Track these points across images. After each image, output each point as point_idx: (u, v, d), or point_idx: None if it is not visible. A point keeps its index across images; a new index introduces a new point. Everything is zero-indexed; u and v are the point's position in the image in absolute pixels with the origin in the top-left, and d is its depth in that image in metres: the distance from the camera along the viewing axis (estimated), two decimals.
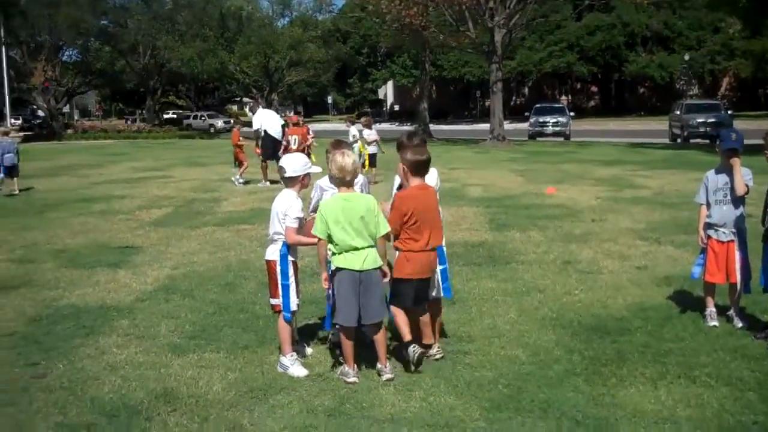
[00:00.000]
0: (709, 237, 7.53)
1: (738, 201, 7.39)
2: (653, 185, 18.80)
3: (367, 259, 6.05)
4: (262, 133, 20.00)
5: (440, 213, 6.58)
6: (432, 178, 6.74)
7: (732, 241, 7.40)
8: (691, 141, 39.44)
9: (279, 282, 6.50)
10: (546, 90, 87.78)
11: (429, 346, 6.55)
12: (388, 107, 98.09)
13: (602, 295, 8.62)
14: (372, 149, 20.03)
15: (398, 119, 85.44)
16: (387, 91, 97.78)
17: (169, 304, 8.68)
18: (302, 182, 6.52)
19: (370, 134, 20.19)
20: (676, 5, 69.47)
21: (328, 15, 68.43)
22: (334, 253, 6.12)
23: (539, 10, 42.53)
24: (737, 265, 7.38)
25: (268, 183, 20.11)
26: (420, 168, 6.40)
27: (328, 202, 6.19)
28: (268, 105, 52.33)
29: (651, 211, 14.45)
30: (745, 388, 5.84)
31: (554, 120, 47.01)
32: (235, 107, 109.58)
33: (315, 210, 6.89)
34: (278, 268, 6.48)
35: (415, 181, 6.39)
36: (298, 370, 6.42)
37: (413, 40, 46.39)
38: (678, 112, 42.42)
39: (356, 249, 6.02)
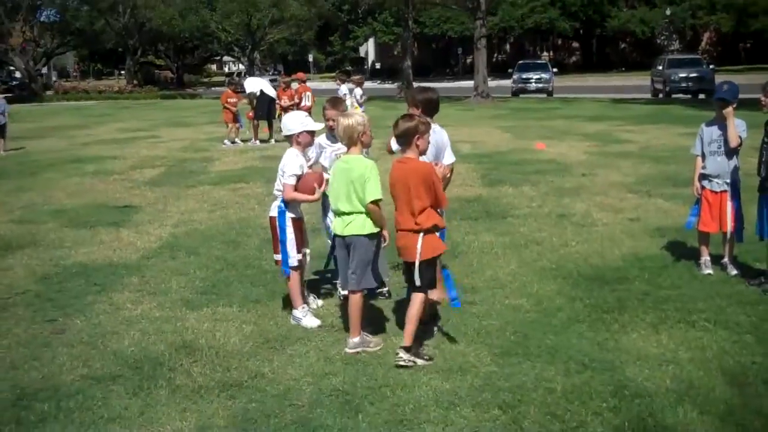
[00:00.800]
0: (703, 188, 7.75)
1: (731, 152, 7.59)
2: (639, 140, 19.04)
3: (351, 225, 5.93)
4: (258, 93, 20.04)
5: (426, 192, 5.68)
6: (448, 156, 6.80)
7: (725, 191, 7.63)
8: (673, 96, 39.65)
9: (278, 237, 6.67)
10: (527, 46, 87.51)
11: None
12: (370, 65, 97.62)
13: (598, 246, 8.86)
14: (363, 109, 19.93)
15: (380, 77, 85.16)
16: (368, 49, 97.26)
17: (176, 261, 8.85)
18: (298, 140, 6.61)
19: (359, 94, 20.05)
20: None
21: None
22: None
23: None
24: (730, 215, 7.61)
25: (258, 142, 20.19)
26: (398, 139, 5.87)
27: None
28: (251, 63, 52.16)
29: (639, 165, 14.69)
30: (742, 332, 6.10)
31: (537, 76, 47.07)
32: (214, 66, 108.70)
33: (313, 166, 7.07)
34: (277, 224, 6.65)
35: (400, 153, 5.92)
36: (310, 321, 6.64)
37: None
38: (660, 68, 42.59)
39: (342, 213, 5.98)
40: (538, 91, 46.33)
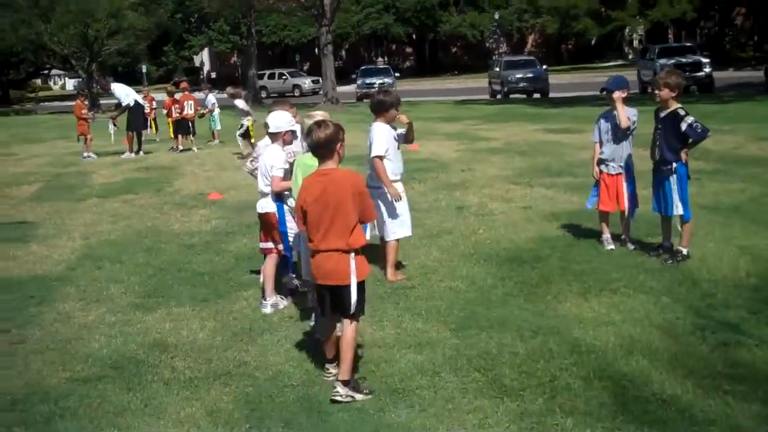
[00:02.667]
0: (601, 171, 8.63)
1: (624, 138, 8.49)
2: (499, 137, 20.16)
3: None
4: (132, 104, 19.81)
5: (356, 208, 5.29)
6: None
7: (620, 174, 8.53)
8: (511, 96, 41.64)
9: (278, 229, 7.06)
10: (362, 52, 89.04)
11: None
12: (205, 74, 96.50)
13: (504, 231, 9.63)
14: (252, 118, 18.50)
15: (216, 86, 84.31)
16: (203, 58, 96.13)
17: (104, 270, 8.96)
18: (284, 138, 7.06)
19: (243, 104, 19.11)
20: None
21: None
22: None
23: None
24: (626, 196, 8.52)
25: (133, 154, 19.98)
26: (314, 150, 5.46)
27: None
28: (89, 76, 50.64)
29: (510, 160, 15.70)
30: (658, 294, 6.96)
31: (380, 81, 48.21)
32: (39, 81, 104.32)
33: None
34: (276, 217, 7.04)
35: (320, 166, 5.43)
36: (282, 302, 7.22)
37: (239, 4, 46.20)
38: (497, 69, 44.58)
39: None
40: None
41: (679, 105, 7.95)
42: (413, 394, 5.27)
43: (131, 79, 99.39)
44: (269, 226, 7.16)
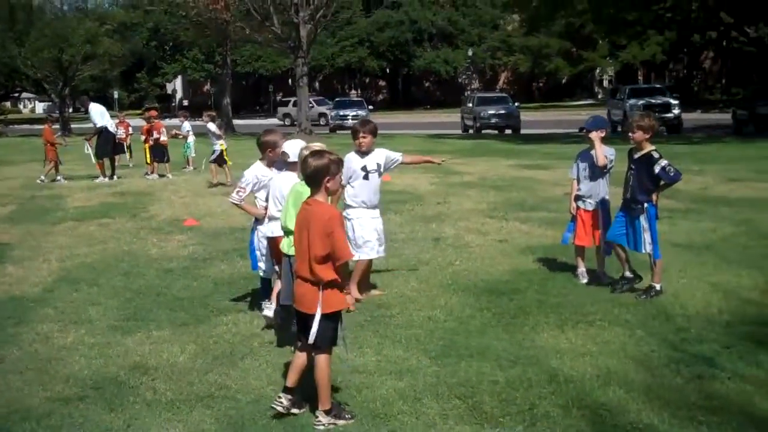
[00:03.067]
0: (578, 207, 8.81)
1: (601, 176, 8.68)
2: (474, 171, 20.38)
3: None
4: (103, 129, 19.80)
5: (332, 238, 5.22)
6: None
7: (596, 209, 8.72)
8: (483, 131, 42.08)
9: None
10: (336, 84, 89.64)
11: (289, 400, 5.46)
12: (177, 102, 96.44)
13: (481, 264, 9.76)
14: (225, 144, 18.93)
15: (192, 114, 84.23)
16: (176, 86, 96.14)
17: (81, 293, 8.94)
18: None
19: (215, 128, 19.19)
20: (459, 3, 73.30)
21: (115, 7, 66.79)
22: None
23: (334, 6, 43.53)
24: (601, 231, 8.70)
25: (107, 179, 19.94)
26: (305, 179, 5.50)
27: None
28: (62, 101, 50.55)
29: (485, 194, 15.89)
30: (633, 327, 7.10)
31: (354, 113, 48.66)
32: (8, 104, 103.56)
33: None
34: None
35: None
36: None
37: (216, 34, 46.44)
38: (470, 105, 45.08)
39: (291, 233, 6.04)
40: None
41: (653, 147, 8.14)
42: (395, 419, 5.34)
43: (102, 104, 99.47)
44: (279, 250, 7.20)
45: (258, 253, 7.77)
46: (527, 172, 19.71)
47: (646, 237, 8.07)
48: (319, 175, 5.30)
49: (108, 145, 19.99)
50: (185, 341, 7.12)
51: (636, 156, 8.20)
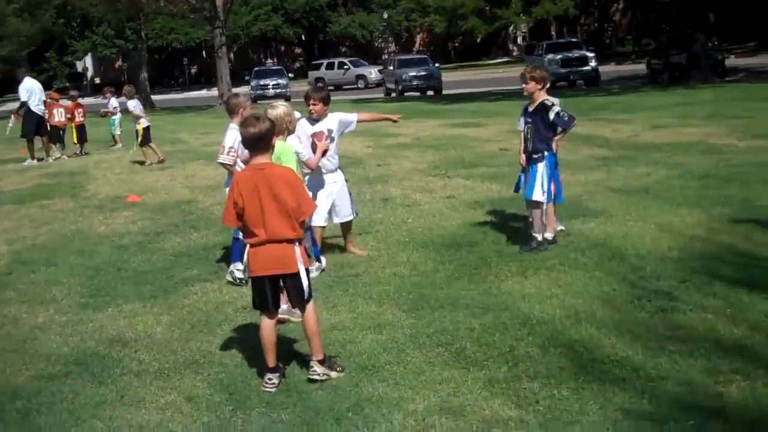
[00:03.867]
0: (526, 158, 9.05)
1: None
2: (407, 133, 20.50)
3: None
4: (26, 108, 19.28)
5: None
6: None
7: None
8: (406, 94, 42.33)
9: None
10: (251, 54, 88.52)
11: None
12: (89, 80, 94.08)
13: (433, 220, 9.99)
14: (145, 122, 17.91)
15: (101, 92, 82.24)
16: (86, 64, 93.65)
17: (39, 274, 8.86)
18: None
19: (135, 106, 18.39)
20: None
21: None
22: None
23: None
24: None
25: (35, 161, 19.47)
26: (250, 144, 5.47)
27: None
28: None
29: (422, 154, 16.11)
30: (592, 270, 7.41)
31: (275, 82, 48.38)
32: None
33: None
34: None
35: (252, 160, 5.52)
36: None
37: (128, 7, 45.40)
38: (391, 68, 45.33)
39: None
40: (276, 96, 47.40)
41: (546, 96, 8.35)
42: (383, 369, 5.53)
43: (9, 86, 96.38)
44: None
45: None
46: (459, 131, 19.99)
47: (537, 184, 8.26)
48: (269, 137, 5.37)
49: (30, 125, 19.44)
50: (158, 313, 7.18)
51: (530, 109, 8.42)
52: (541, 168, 8.28)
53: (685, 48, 33.50)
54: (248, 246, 5.42)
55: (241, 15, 72.95)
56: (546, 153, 8.31)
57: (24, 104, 19.50)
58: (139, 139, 17.56)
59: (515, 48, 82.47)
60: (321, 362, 5.42)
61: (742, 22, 54.08)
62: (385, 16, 72.41)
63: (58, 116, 20.47)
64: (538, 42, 49.09)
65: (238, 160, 7.73)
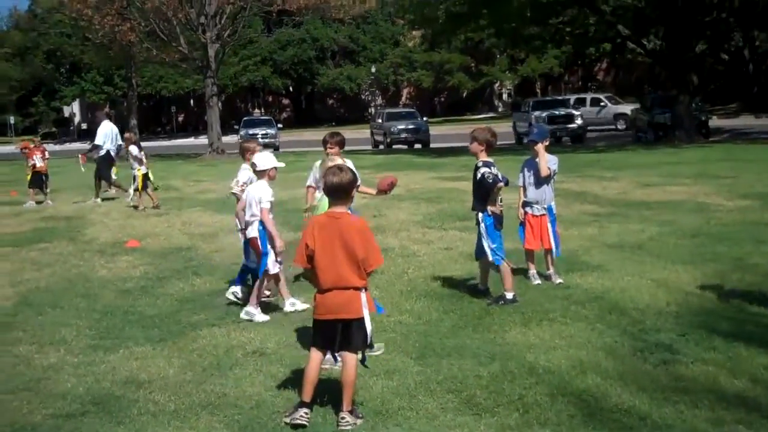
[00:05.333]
0: (525, 213, 9.33)
1: (546, 182, 9.23)
2: (399, 184, 20.71)
3: None
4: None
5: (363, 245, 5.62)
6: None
7: (544, 215, 9.25)
8: (394, 147, 42.74)
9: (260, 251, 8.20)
10: (239, 103, 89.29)
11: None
12: (76, 125, 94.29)
13: (433, 271, 10.19)
14: (144, 168, 18.17)
15: (88, 138, 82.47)
16: (74, 109, 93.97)
17: (47, 316, 8.96)
18: (269, 174, 8.24)
19: (139, 152, 18.77)
20: (359, 20, 74.05)
21: (13, 29, 65.09)
22: None
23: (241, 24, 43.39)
24: (551, 235, 9.23)
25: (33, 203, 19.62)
26: (330, 192, 5.72)
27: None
28: None
29: (417, 206, 16.34)
30: (593, 322, 7.63)
31: (264, 132, 48.61)
32: None
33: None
34: (259, 242, 8.17)
35: (330, 208, 5.78)
36: (262, 317, 8.19)
37: (119, 55, 45.85)
38: (380, 121, 45.80)
39: None
40: (265, 146, 47.75)
41: (485, 159, 8.55)
42: (397, 414, 5.68)
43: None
44: (255, 249, 8.27)
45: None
46: (450, 184, 20.26)
47: (485, 244, 8.56)
48: (349, 188, 5.67)
49: (106, 168, 19.93)
50: (169, 356, 7.30)
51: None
52: (481, 229, 8.63)
53: (669, 108, 34.16)
54: (316, 291, 5.66)
55: (230, 65, 73.72)
56: (480, 214, 8.63)
57: (97, 147, 19.88)
58: (138, 184, 17.72)
59: (500, 104, 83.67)
60: (351, 412, 5.56)
61: (724, 84, 55.24)
62: (373, 69, 73.49)
63: (39, 161, 20.54)
64: (525, 99, 49.92)
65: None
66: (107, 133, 20.26)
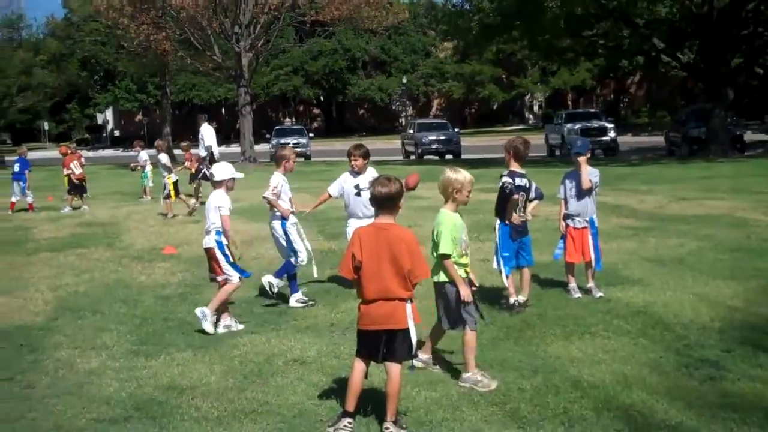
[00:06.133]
0: (567, 225, 9.27)
1: (588, 195, 9.17)
2: (431, 195, 20.66)
3: (434, 272, 6.75)
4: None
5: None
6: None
7: (586, 227, 9.19)
8: (425, 157, 42.73)
9: (222, 261, 8.43)
10: (270, 113, 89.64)
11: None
12: (109, 133, 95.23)
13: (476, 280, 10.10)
14: (174, 176, 18.75)
15: (121, 145, 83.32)
16: (107, 116, 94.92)
17: (86, 320, 9.04)
18: (227, 184, 8.41)
19: (167, 159, 19.33)
20: (391, 31, 74.23)
21: (49, 37, 65.99)
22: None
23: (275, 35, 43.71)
24: (591, 247, 9.16)
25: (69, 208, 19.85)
26: (378, 203, 5.78)
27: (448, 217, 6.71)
28: None
29: None
30: (636, 336, 7.55)
31: (295, 141, 48.79)
32: None
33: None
34: (217, 252, 8.32)
35: (377, 218, 5.84)
36: (209, 327, 8.23)
37: (154, 63, 46.29)
38: (411, 131, 45.79)
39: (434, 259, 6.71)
40: (297, 155, 47.94)
41: (514, 168, 8.84)
42: (441, 426, 5.66)
43: (29, 136, 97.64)
44: (214, 259, 8.40)
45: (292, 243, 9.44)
46: (485, 196, 20.06)
47: (497, 255, 8.86)
48: (395, 199, 5.68)
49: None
50: (210, 362, 7.31)
51: None
52: (495, 238, 8.96)
53: (704, 122, 33.88)
54: (360, 301, 5.68)
55: (262, 75, 74.19)
56: (497, 223, 8.89)
57: (209, 150, 20.58)
58: (170, 191, 17.90)
59: (531, 116, 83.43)
60: (395, 422, 5.54)
61: (759, 98, 54.63)
62: (404, 80, 73.53)
63: (77, 168, 20.82)
64: (557, 111, 49.74)
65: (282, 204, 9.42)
66: (214, 135, 21.29)
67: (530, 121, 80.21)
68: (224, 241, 8.42)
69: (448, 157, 42.45)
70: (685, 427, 5.46)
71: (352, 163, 9.83)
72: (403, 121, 76.01)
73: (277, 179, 9.43)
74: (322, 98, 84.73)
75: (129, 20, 37.71)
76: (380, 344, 5.58)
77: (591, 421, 5.64)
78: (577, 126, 38.02)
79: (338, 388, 6.38)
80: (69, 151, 21.91)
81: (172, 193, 17.90)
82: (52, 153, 47.00)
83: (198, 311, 8.30)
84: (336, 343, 7.75)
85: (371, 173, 9.64)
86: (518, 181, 8.67)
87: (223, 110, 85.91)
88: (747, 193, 18.44)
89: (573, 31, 37.01)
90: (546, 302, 8.94)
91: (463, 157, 41.45)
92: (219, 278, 8.50)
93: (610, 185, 20.15)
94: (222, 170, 8.61)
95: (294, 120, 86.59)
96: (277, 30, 41.22)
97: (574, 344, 7.41)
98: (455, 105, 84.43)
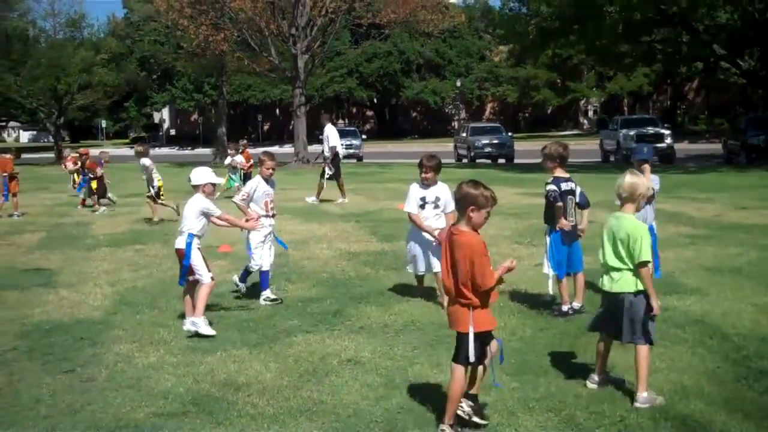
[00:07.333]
0: None
1: (648, 202, 9.05)
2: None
3: (617, 282, 6.30)
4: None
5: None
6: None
7: None
8: (477, 161, 42.63)
9: (192, 262, 8.45)
10: (323, 114, 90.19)
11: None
12: (165, 131, 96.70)
13: (525, 287, 10.10)
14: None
15: (176, 143, 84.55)
16: (163, 115, 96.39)
17: (144, 315, 9.19)
18: (204, 189, 8.56)
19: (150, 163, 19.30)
20: (446, 34, 74.22)
21: (109, 36, 67.22)
22: None
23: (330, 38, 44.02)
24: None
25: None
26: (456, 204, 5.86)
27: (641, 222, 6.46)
28: (57, 130, 50.66)
29: (505, 221, 16.25)
30: (693, 346, 7.46)
31: (348, 143, 48.93)
32: None
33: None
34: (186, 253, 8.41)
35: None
36: (207, 329, 8.23)
37: (213, 64, 46.87)
38: (464, 135, 45.77)
39: (610, 268, 6.35)
40: (349, 156, 48.15)
41: (558, 174, 8.85)
42: (496, 431, 5.64)
43: (86, 133, 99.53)
44: (180, 260, 8.50)
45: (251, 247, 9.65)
46: (537, 200, 19.93)
47: (547, 259, 8.88)
48: (462, 202, 5.64)
49: (338, 168, 21.46)
50: (265, 360, 7.39)
51: None
52: (545, 243, 8.91)
53: (763, 130, 33.25)
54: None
55: (317, 76, 74.69)
56: (546, 227, 8.91)
57: (334, 149, 21.12)
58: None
59: (586, 121, 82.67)
60: (451, 426, 5.58)
61: None
62: (458, 83, 73.42)
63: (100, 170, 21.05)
64: (612, 117, 49.23)
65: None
66: (337, 135, 21.76)
67: (585, 127, 79.53)
68: (194, 244, 8.44)
69: (501, 161, 42.28)
70: None
71: (422, 175, 9.33)
72: (456, 124, 75.87)
73: (252, 184, 9.81)
74: (375, 100, 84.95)
75: (188, 21, 38.25)
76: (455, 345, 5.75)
77: (648, 430, 5.59)
78: (632, 132, 37.56)
79: (394, 389, 6.42)
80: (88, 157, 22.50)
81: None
82: (111, 151, 47.97)
83: (187, 323, 8.34)
84: (390, 344, 7.78)
85: (441, 188, 9.33)
86: (564, 186, 8.66)
87: (277, 111, 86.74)
88: None
89: (631, 36, 36.65)
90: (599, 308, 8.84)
91: (516, 161, 41.28)
92: (191, 278, 8.54)
93: (668, 192, 19.87)
94: (199, 175, 8.61)
95: (347, 121, 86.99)
96: (334, 32, 41.42)
97: (630, 353, 7.26)
98: (509, 109, 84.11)
